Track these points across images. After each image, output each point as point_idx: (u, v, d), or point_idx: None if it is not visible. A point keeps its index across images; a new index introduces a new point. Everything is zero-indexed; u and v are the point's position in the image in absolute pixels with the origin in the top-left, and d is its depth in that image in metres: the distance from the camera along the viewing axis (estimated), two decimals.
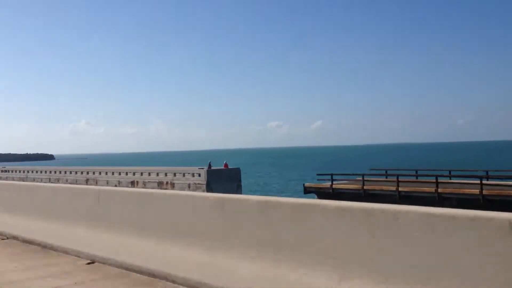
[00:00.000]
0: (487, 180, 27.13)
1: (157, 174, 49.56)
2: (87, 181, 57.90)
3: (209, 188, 44.24)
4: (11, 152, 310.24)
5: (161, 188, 48.59)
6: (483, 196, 24.76)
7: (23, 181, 62.82)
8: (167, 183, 48.36)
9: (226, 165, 46.81)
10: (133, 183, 52.31)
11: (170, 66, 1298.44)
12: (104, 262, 5.77)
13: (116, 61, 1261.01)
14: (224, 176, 45.37)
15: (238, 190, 46.23)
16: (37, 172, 66.37)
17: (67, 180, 60.20)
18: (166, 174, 48.71)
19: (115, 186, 52.93)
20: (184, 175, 46.98)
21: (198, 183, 45.03)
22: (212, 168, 47.11)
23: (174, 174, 47.76)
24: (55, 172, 63.39)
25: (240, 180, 46.73)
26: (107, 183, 55.04)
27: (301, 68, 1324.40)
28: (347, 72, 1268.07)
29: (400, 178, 30.67)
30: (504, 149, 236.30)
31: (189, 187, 45.96)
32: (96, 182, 56.83)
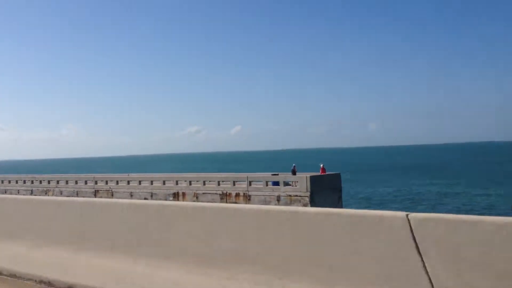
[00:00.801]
0: None
1: (219, 183, 37.07)
2: (96, 193, 43.34)
3: (313, 201, 33.07)
4: None
5: (226, 202, 36.25)
6: None
7: None
8: (237, 195, 36.13)
9: (323, 169, 35.63)
10: (176, 195, 39.20)
11: (89, 71, 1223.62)
12: None
13: (30, 63, 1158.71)
14: (326, 184, 34.41)
15: (339, 202, 35.62)
16: (9, 182, 49.59)
17: (61, 193, 44.93)
18: (234, 183, 36.45)
19: (145, 199, 39.36)
20: (267, 183, 35.10)
21: (296, 195, 33.51)
22: (299, 173, 35.93)
23: (250, 183, 35.67)
24: (40, 181, 47.38)
25: (341, 190, 36.05)
26: (131, 196, 41.24)
27: (220, 73, 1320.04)
28: (265, 78, 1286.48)
29: None
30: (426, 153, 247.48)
31: (278, 200, 34.27)
32: (111, 195, 42.55)
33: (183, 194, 38.83)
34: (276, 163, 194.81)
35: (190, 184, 38.59)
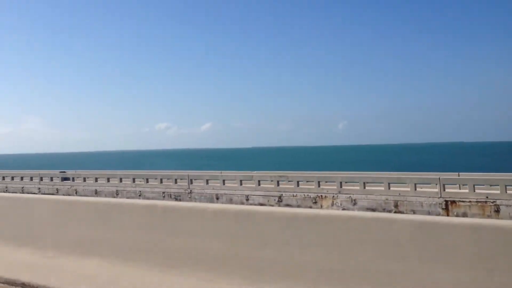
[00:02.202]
0: None
1: None
2: (317, 201, 30.84)
3: None
4: None
5: None
6: None
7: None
8: None
9: None
10: (449, 206, 27.44)
11: (52, 64, 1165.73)
12: None
13: None
14: None
15: None
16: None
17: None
18: None
19: (412, 212, 27.59)
20: None
21: None
22: None
23: None
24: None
25: None
26: (354, 204, 29.22)
27: (191, 72, 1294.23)
28: (241, 76, 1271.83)
29: None
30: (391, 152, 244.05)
31: None
32: (331, 204, 30.25)
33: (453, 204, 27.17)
34: (272, 159, 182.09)
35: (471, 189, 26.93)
